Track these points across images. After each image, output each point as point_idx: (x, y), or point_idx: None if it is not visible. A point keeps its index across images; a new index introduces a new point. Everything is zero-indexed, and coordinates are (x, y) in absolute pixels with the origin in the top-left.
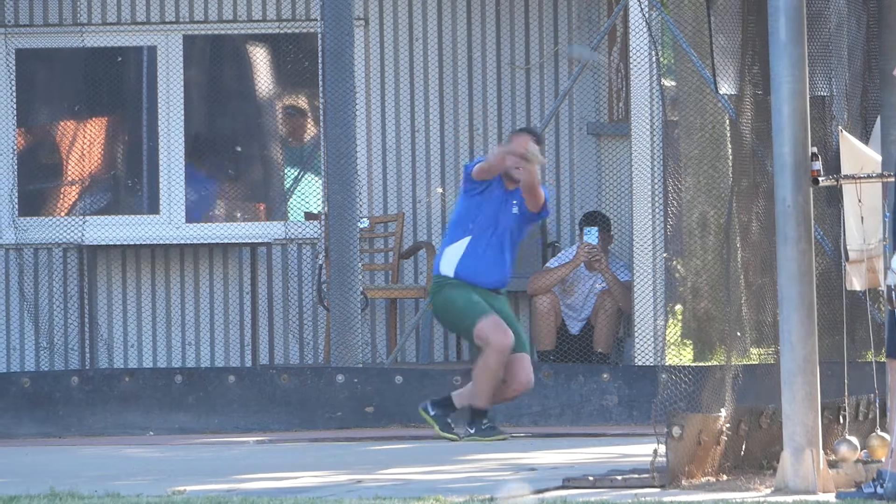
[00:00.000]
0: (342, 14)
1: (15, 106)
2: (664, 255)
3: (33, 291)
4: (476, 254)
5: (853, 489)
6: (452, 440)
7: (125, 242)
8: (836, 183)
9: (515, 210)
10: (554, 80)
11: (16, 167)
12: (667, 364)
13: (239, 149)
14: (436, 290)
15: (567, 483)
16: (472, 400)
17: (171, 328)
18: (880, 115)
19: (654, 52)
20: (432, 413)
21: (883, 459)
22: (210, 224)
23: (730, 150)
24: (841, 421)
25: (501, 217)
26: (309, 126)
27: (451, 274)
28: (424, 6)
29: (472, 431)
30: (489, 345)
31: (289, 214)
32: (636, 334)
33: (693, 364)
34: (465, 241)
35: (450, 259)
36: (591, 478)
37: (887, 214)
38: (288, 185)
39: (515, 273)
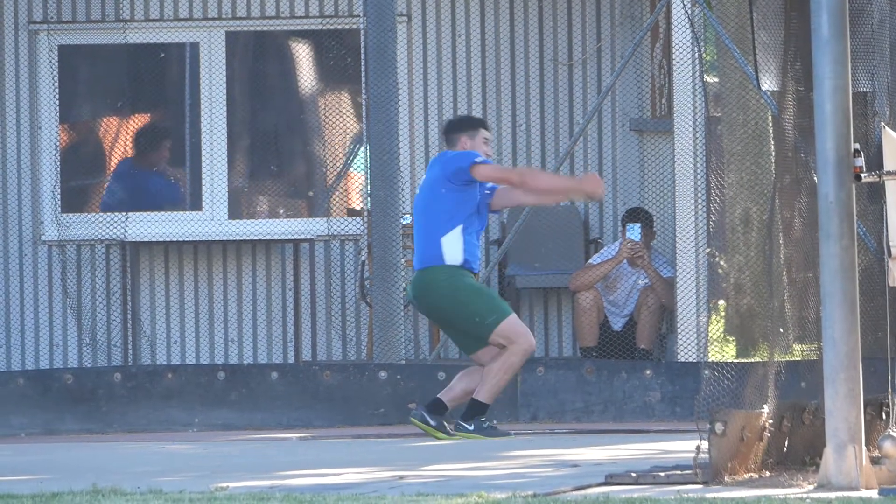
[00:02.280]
0: (385, 10)
1: (58, 102)
2: (707, 251)
3: (76, 288)
4: (470, 241)
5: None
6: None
7: (168, 239)
8: (878, 179)
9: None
10: (597, 76)
11: (58, 164)
12: (709, 360)
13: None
14: (449, 280)
15: (610, 479)
16: (479, 395)
17: (213, 324)
18: None
19: (696, 49)
20: (434, 424)
21: None
22: (253, 220)
23: (772, 147)
24: (884, 417)
25: (483, 205)
26: (352, 123)
27: (460, 263)
28: (467, 2)
29: (472, 428)
30: (517, 344)
31: (331, 211)
32: (679, 330)
33: (736, 360)
34: (459, 229)
35: (456, 248)
36: (633, 474)
37: None
38: (331, 182)
39: (558, 269)
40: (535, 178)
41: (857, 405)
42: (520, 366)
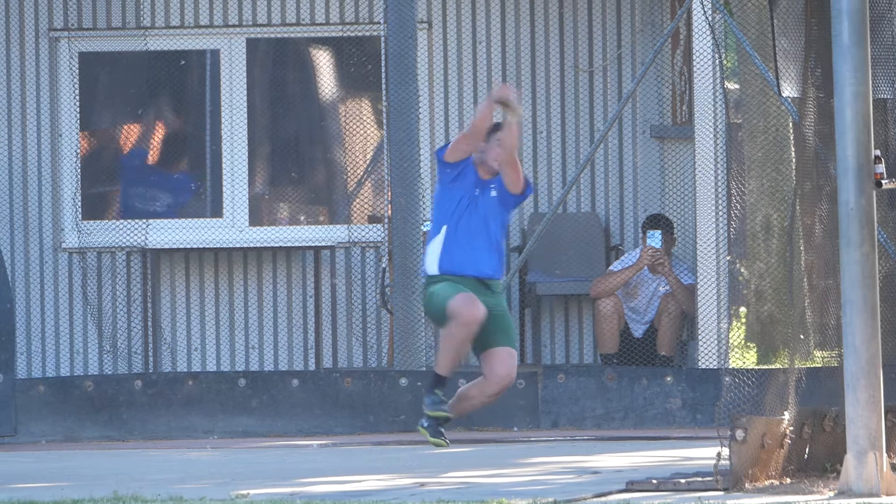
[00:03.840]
0: (405, 17)
1: (78, 109)
2: (728, 257)
3: (96, 295)
4: (457, 243)
5: None
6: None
7: (188, 246)
8: None
9: (494, 194)
10: (617, 82)
11: (79, 171)
12: (730, 367)
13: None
14: (424, 291)
15: (630, 486)
16: (436, 368)
17: (234, 331)
18: None
19: (717, 55)
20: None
21: None
22: (273, 227)
23: (793, 153)
24: None
25: (480, 202)
26: (372, 130)
27: (436, 272)
28: (488, 9)
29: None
30: (456, 318)
31: (352, 218)
32: (700, 337)
33: (756, 367)
34: (443, 232)
35: (433, 256)
36: (654, 481)
37: None
38: (352, 188)
39: (579, 276)
40: (473, 122)
41: (877, 412)
42: (459, 337)
